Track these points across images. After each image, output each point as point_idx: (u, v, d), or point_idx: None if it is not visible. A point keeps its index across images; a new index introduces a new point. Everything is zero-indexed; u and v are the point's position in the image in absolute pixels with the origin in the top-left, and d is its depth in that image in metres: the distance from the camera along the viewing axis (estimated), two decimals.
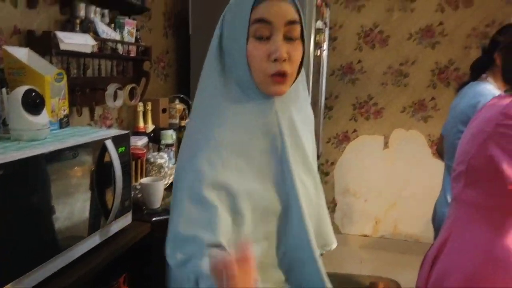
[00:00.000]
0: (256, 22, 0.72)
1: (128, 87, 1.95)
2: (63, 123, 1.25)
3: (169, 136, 1.97)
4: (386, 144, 3.12)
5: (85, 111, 1.77)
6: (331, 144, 3.23)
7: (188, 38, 2.50)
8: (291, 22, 0.73)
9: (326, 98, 2.96)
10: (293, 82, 0.78)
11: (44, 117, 1.06)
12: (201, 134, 0.75)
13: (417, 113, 3.03)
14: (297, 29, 0.74)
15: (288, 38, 0.73)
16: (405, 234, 3.15)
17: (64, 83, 1.24)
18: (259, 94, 0.76)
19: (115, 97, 1.86)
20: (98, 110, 1.87)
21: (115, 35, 1.78)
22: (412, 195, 3.06)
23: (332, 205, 3.31)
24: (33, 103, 1.03)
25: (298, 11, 0.75)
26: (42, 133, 1.05)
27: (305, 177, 0.80)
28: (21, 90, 1.02)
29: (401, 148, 3.09)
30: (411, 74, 3.00)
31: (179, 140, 2.10)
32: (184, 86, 2.63)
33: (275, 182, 0.75)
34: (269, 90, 0.74)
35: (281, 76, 0.72)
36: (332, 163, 3.27)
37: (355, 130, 3.16)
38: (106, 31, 1.71)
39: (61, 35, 1.41)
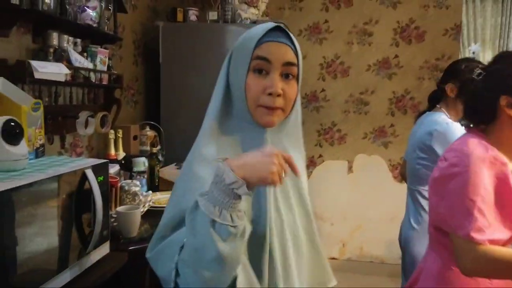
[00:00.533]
0: (257, 59, 0.79)
1: (100, 114, 1.95)
2: (39, 152, 1.23)
3: (141, 163, 1.97)
4: (350, 169, 3.25)
5: (56, 139, 1.74)
6: None
7: (158, 65, 2.53)
8: (289, 64, 0.80)
9: None
10: (286, 117, 0.83)
11: (23, 148, 1.05)
12: (191, 156, 0.80)
13: (378, 139, 3.20)
14: (293, 70, 0.81)
15: (285, 76, 0.80)
16: (371, 255, 3.25)
17: (40, 112, 1.24)
18: (252, 124, 0.81)
19: (86, 124, 1.84)
20: (69, 138, 1.85)
21: (88, 64, 1.78)
22: (376, 217, 3.18)
23: None
24: (13, 133, 1.02)
25: (296, 54, 0.82)
26: (21, 163, 1.04)
27: (289, 210, 0.83)
28: (1, 120, 1.01)
29: (364, 173, 3.22)
30: (371, 103, 3.18)
31: (150, 167, 2.10)
32: (153, 113, 2.64)
33: (252, 208, 0.77)
34: (260, 119, 0.80)
35: (272, 108, 0.78)
36: None
37: (320, 156, 3.28)
38: (79, 60, 1.72)
39: (35, 64, 1.40)
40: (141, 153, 2.21)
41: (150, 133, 2.34)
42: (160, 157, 2.26)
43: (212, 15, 2.57)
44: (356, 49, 3.15)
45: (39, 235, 1.00)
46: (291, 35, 0.82)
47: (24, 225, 0.94)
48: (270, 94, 0.77)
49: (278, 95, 0.78)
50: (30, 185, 0.96)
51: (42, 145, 1.25)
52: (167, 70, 2.53)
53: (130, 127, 2.20)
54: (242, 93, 0.80)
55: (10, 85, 1.26)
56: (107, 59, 1.94)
